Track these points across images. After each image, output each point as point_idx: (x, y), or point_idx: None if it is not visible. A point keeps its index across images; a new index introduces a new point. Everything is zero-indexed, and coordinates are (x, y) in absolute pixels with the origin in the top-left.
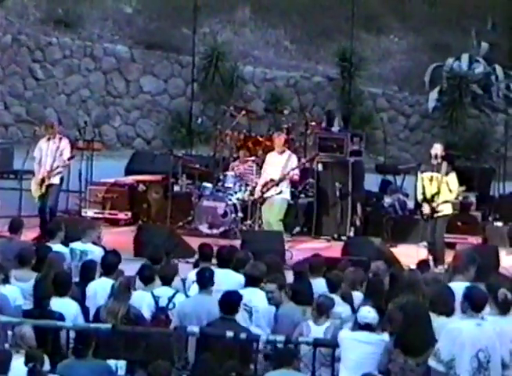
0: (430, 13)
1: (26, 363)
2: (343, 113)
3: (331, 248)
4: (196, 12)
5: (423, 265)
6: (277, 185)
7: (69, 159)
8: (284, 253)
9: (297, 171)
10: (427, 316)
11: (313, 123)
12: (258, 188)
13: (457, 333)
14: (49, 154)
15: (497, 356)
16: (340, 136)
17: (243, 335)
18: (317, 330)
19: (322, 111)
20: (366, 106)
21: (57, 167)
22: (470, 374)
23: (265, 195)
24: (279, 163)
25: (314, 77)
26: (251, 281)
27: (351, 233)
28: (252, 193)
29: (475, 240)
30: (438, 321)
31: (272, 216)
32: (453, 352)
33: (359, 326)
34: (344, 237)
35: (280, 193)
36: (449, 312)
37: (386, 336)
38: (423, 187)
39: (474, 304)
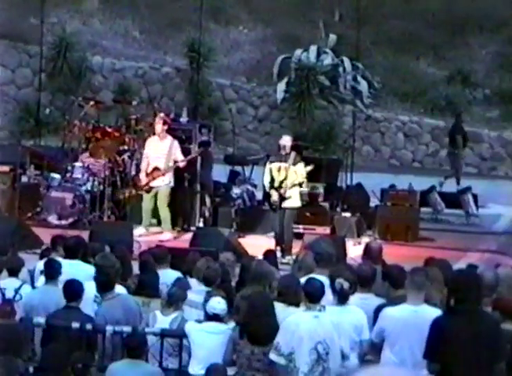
0: (279, 5)
1: None
2: (191, 104)
3: (180, 239)
4: (44, 2)
5: (269, 255)
6: (163, 175)
7: None
8: (132, 244)
9: (184, 163)
10: (272, 306)
11: (162, 114)
12: (143, 175)
13: (294, 326)
14: None
15: (336, 347)
16: (189, 127)
17: (88, 326)
18: (164, 321)
19: (171, 102)
20: (215, 97)
21: None
22: (309, 367)
23: (152, 184)
24: (162, 150)
25: (162, 68)
26: None
27: (200, 224)
28: (100, 184)
29: (323, 230)
30: (288, 312)
31: (159, 204)
32: (292, 345)
33: (208, 317)
34: (192, 228)
35: (169, 183)
36: (298, 303)
37: (232, 325)
38: (272, 177)
39: (309, 295)
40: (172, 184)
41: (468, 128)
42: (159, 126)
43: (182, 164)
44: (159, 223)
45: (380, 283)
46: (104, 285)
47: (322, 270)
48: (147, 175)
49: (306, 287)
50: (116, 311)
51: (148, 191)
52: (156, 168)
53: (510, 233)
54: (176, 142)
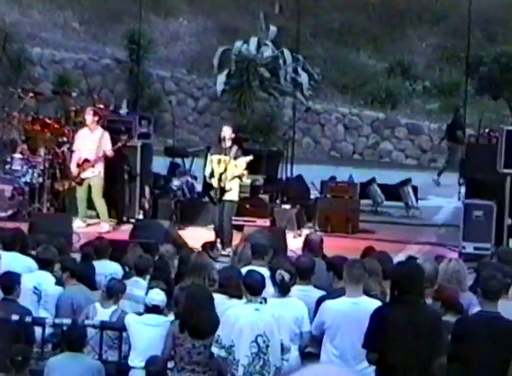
0: None
1: None
2: (131, 96)
3: (120, 231)
4: None
5: (207, 247)
6: (93, 166)
7: None
8: (71, 236)
9: (112, 152)
10: (211, 298)
11: (101, 105)
12: (73, 167)
13: (235, 319)
14: None
15: (276, 340)
16: (129, 119)
17: (28, 319)
18: (104, 313)
19: (111, 93)
20: (155, 88)
21: None
22: (250, 360)
23: (82, 175)
24: (93, 142)
25: (102, 60)
26: (43, 264)
27: (140, 216)
28: (40, 176)
29: (263, 222)
30: (229, 304)
31: (94, 196)
32: (232, 338)
33: (147, 309)
34: (132, 220)
35: (99, 173)
36: (240, 295)
37: (172, 317)
38: (212, 168)
39: (250, 288)
40: (102, 174)
41: (408, 120)
42: (89, 117)
43: (109, 154)
44: (98, 215)
45: (323, 275)
46: (72, 272)
47: (258, 262)
48: (78, 166)
49: (247, 280)
50: (80, 297)
51: (80, 183)
52: (86, 160)
53: (449, 225)
54: (106, 134)
